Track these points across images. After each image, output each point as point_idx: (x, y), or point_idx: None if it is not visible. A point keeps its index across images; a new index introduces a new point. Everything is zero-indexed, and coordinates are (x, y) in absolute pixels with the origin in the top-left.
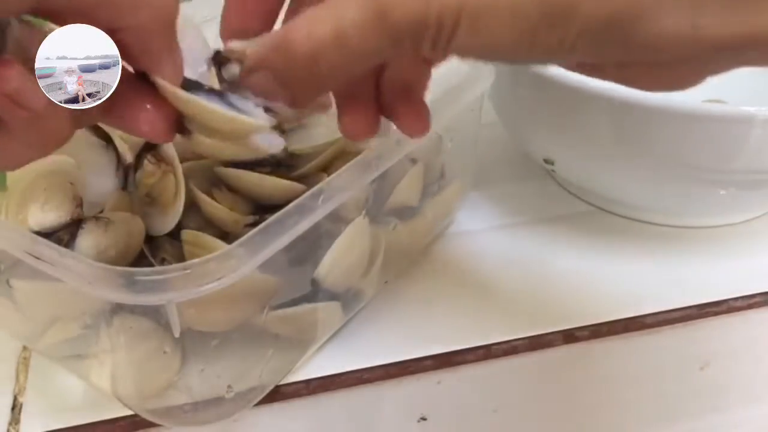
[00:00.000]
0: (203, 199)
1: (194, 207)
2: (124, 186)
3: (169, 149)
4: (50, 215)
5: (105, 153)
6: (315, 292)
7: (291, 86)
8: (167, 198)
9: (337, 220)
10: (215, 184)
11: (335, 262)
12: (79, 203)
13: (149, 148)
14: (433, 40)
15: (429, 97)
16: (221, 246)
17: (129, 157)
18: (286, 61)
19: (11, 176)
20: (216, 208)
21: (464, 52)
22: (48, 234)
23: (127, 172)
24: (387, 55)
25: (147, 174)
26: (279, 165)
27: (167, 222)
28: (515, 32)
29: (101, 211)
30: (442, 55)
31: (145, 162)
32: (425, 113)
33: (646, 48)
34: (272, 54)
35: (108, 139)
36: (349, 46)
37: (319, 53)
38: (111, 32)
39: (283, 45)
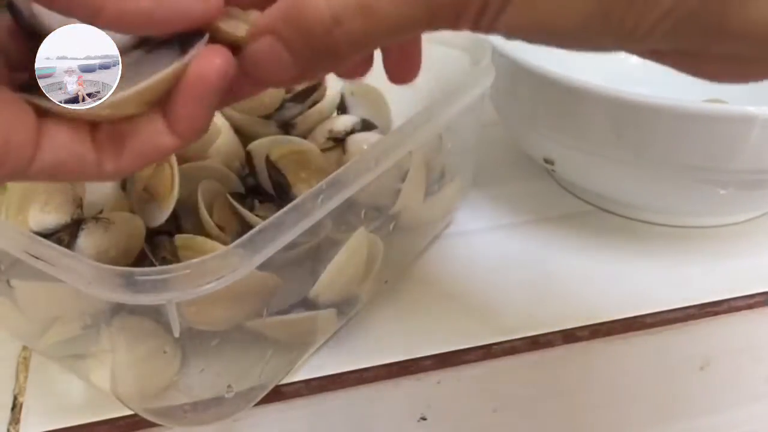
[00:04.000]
0: (206, 220)
1: (194, 208)
2: (124, 186)
3: None
4: (50, 216)
5: None
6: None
7: (302, 58)
8: (164, 190)
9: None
10: (218, 192)
11: (331, 280)
12: (80, 204)
13: None
14: (477, 14)
15: (429, 98)
16: (216, 248)
17: None
18: (298, 28)
19: None
20: (213, 228)
21: (513, 31)
22: (48, 234)
23: None
24: (419, 28)
25: None
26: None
27: (163, 212)
28: (583, 11)
29: (101, 212)
30: (485, 32)
31: None
32: (418, 60)
33: (737, 38)
34: (283, 20)
35: None
36: (376, 15)
37: (340, 21)
38: None
39: (297, 8)
